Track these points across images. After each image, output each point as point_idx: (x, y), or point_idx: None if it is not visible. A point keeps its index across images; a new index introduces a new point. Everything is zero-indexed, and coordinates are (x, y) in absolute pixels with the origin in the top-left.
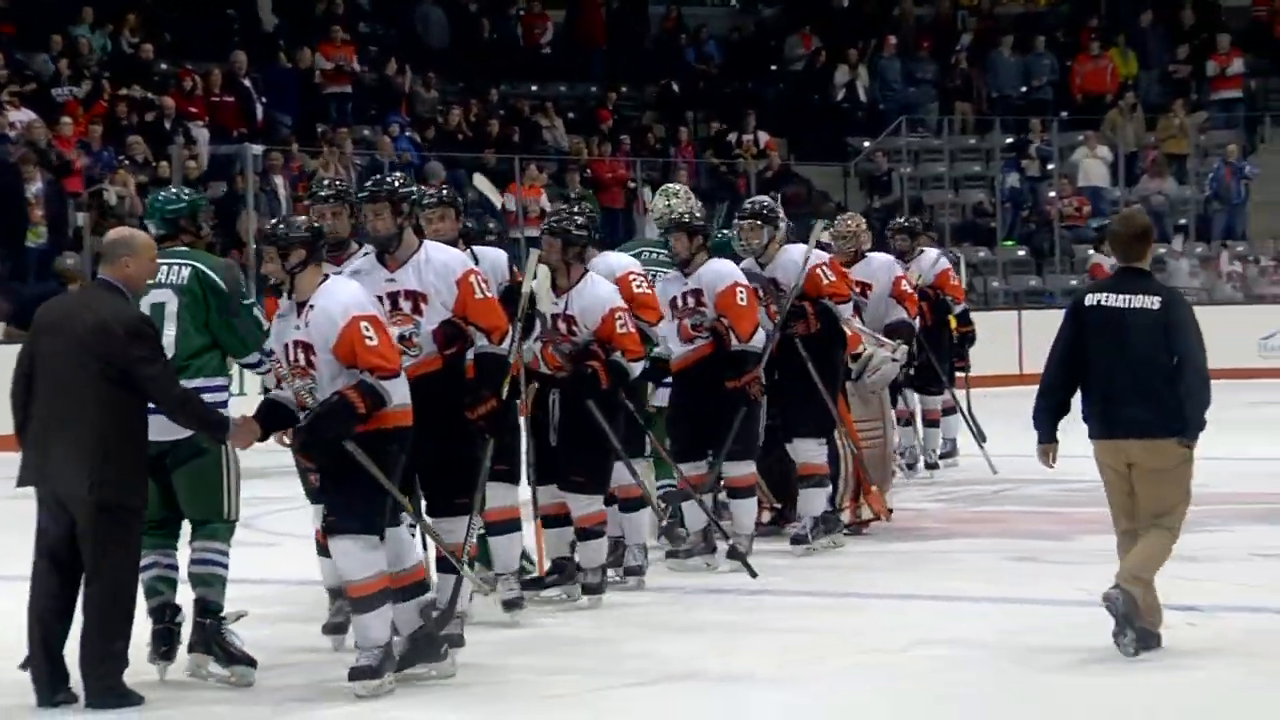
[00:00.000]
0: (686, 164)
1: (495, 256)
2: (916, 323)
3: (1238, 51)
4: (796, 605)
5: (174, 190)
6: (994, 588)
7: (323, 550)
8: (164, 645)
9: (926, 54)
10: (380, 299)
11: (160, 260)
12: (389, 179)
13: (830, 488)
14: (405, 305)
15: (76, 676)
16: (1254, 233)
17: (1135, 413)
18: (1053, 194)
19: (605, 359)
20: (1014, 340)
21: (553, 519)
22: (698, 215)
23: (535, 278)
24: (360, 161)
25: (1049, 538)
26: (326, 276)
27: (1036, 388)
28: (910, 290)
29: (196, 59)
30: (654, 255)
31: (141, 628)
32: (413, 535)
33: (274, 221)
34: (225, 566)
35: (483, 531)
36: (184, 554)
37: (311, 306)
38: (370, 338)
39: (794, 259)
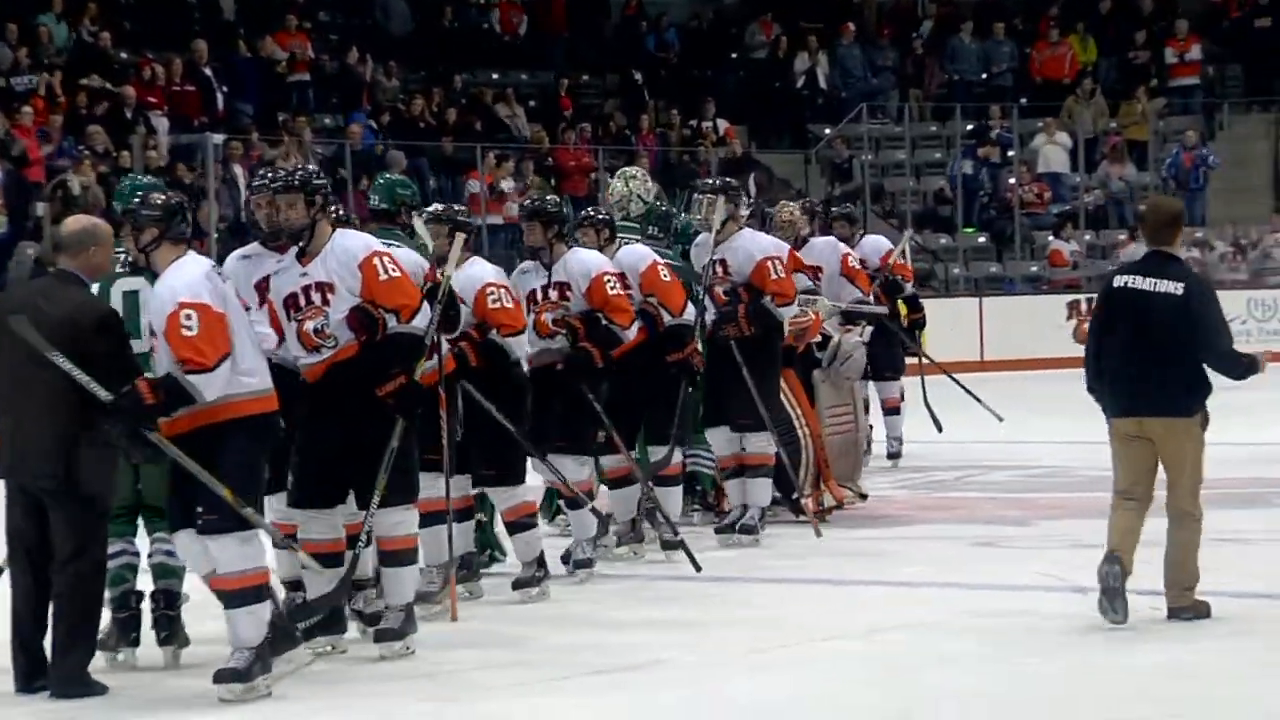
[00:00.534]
0: (648, 152)
1: (405, 255)
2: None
3: (1196, 38)
4: (762, 593)
5: (151, 179)
6: (957, 573)
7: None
8: (132, 632)
9: (887, 41)
10: (296, 294)
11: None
12: (301, 169)
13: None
14: (315, 298)
15: None
16: (1212, 219)
17: (1157, 391)
18: (1013, 180)
19: (597, 337)
20: (975, 327)
21: (461, 513)
22: (655, 198)
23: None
24: (321, 150)
25: (1011, 523)
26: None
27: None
28: (859, 267)
29: (156, 48)
30: (625, 241)
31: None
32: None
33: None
34: None
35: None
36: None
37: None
38: (187, 328)
39: (748, 249)
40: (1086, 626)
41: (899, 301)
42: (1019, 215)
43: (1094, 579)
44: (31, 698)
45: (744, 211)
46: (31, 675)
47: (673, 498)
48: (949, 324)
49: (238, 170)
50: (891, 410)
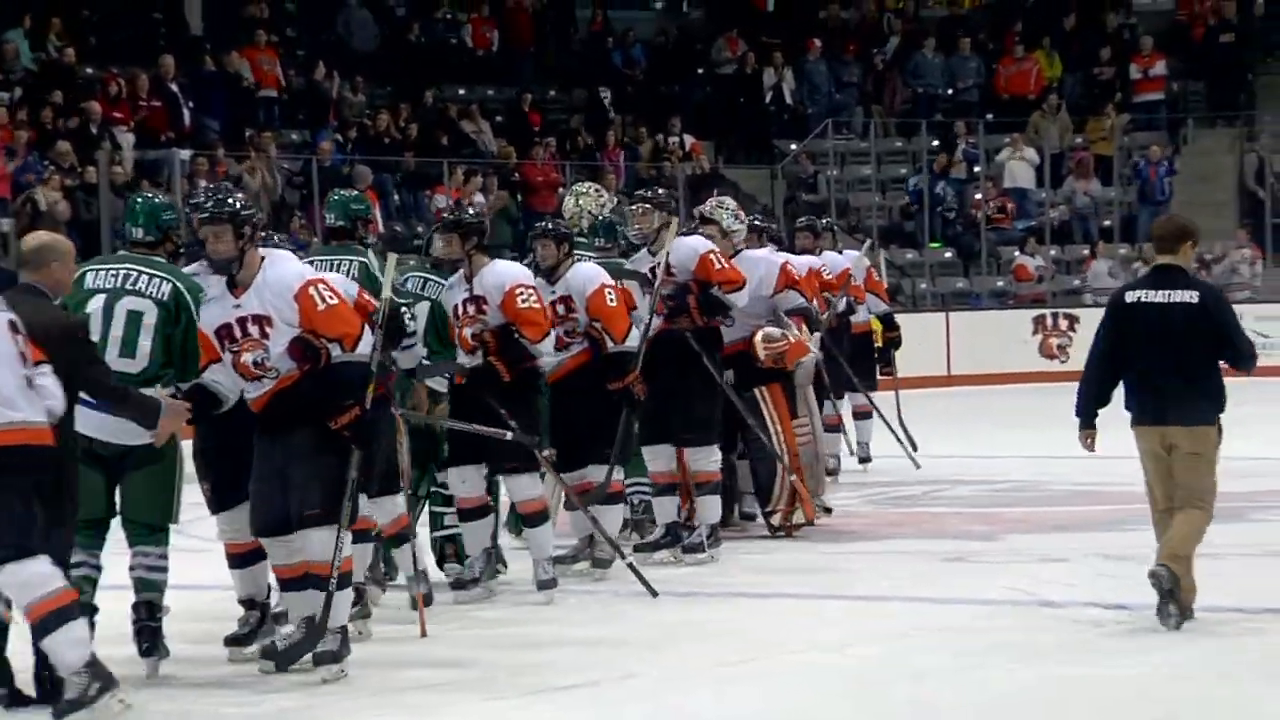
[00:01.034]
0: (614, 167)
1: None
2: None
3: (1160, 54)
4: (730, 607)
5: (167, 199)
6: (927, 588)
7: (235, 562)
8: None
9: (852, 57)
10: (230, 325)
11: (139, 268)
12: (230, 199)
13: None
14: (253, 330)
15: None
16: None
17: (1179, 401)
18: (979, 196)
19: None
20: (941, 342)
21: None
22: (608, 215)
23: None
24: (288, 166)
25: (978, 538)
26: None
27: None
28: (800, 275)
29: (122, 64)
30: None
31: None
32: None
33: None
34: (167, 570)
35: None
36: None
37: None
38: None
39: (690, 245)
40: (1054, 640)
41: (874, 319)
42: (985, 231)
43: (1063, 593)
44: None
45: (673, 219)
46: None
47: (612, 516)
48: (916, 339)
49: (202, 186)
50: (862, 415)
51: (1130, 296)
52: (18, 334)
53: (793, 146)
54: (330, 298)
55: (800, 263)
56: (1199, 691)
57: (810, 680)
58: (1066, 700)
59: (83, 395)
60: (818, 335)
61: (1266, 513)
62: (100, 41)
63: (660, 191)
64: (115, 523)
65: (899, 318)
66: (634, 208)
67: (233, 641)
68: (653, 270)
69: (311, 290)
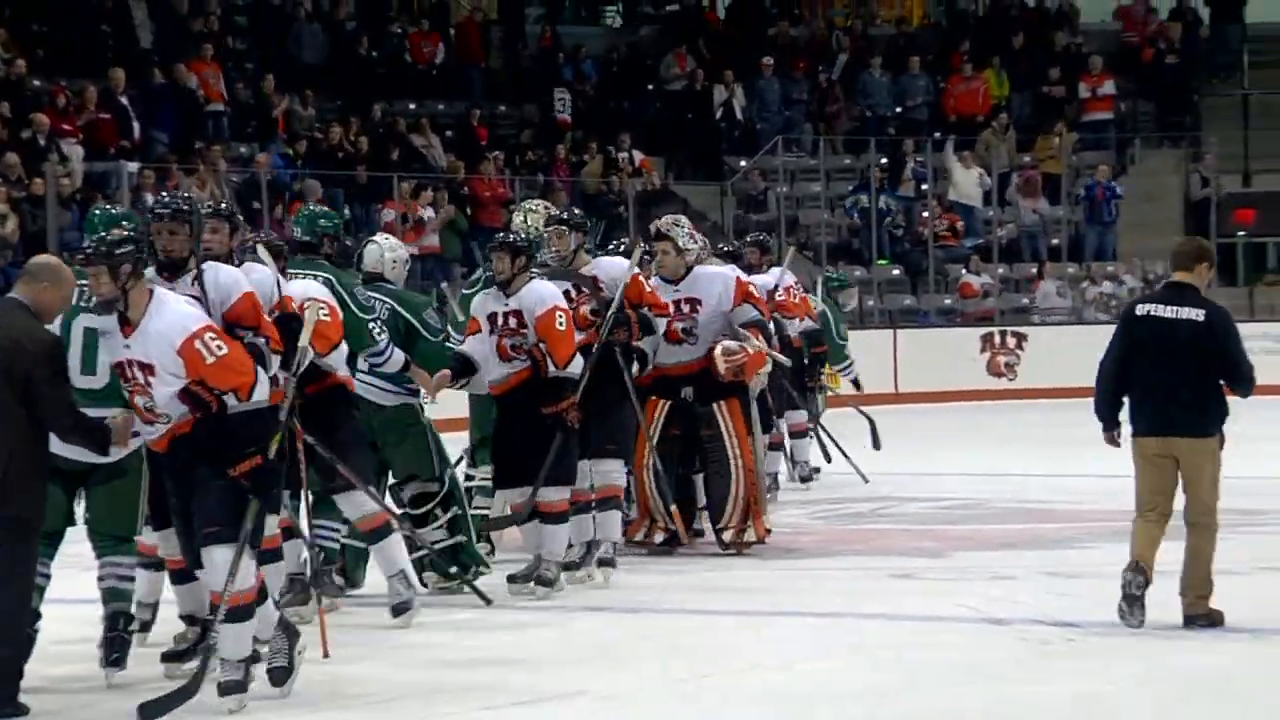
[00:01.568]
0: (563, 183)
1: (260, 277)
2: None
3: (1109, 74)
4: (679, 625)
5: (128, 210)
6: (873, 604)
7: (176, 578)
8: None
9: (802, 74)
10: (122, 364)
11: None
12: (111, 238)
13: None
14: (139, 375)
15: None
16: (1123, 253)
17: (1183, 413)
18: (926, 214)
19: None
20: (889, 359)
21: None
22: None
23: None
24: (236, 179)
25: (927, 555)
26: None
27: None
28: (755, 291)
29: (70, 76)
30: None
31: None
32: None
33: None
34: (134, 580)
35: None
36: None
37: None
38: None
39: (621, 264)
40: (1002, 658)
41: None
42: (933, 248)
43: (1011, 610)
44: None
45: (587, 238)
46: None
47: (556, 536)
48: (863, 356)
49: (149, 199)
50: (798, 434)
51: (1141, 309)
52: None
53: (742, 163)
54: (219, 348)
55: (758, 281)
56: (1148, 711)
57: (759, 697)
58: (1015, 718)
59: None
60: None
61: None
62: (48, 53)
63: (576, 212)
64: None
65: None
66: (550, 229)
67: (171, 657)
68: (566, 294)
69: (197, 344)
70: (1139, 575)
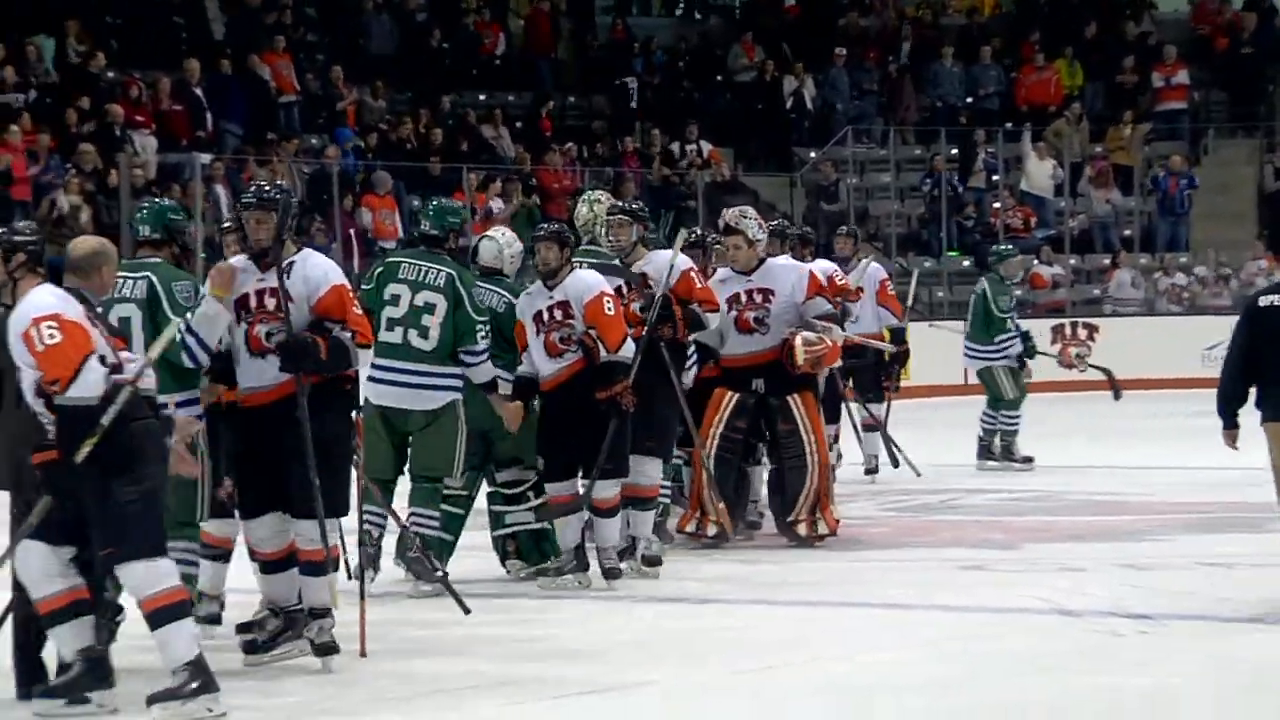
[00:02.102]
0: (633, 174)
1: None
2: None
3: (1182, 63)
4: (748, 616)
5: (172, 203)
6: (942, 596)
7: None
8: None
9: (873, 65)
10: None
11: (122, 273)
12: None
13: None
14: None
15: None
16: (1196, 244)
17: None
18: (997, 205)
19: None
20: (958, 351)
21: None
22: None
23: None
24: (308, 170)
25: (996, 547)
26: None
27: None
28: (825, 283)
29: (143, 68)
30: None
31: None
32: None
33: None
34: (197, 565)
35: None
36: None
37: None
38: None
39: (665, 258)
40: (1071, 649)
41: (885, 331)
42: (1003, 239)
43: (1081, 602)
44: (29, 703)
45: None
46: (34, 680)
47: (609, 529)
48: (933, 348)
49: (220, 191)
50: (870, 428)
51: (1264, 301)
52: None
53: (812, 154)
54: (50, 337)
55: (818, 268)
56: (1215, 703)
57: (822, 689)
58: (1082, 710)
59: None
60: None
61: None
62: (122, 45)
63: (638, 203)
64: None
65: (915, 326)
66: (611, 219)
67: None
68: (617, 289)
69: (33, 330)
70: None
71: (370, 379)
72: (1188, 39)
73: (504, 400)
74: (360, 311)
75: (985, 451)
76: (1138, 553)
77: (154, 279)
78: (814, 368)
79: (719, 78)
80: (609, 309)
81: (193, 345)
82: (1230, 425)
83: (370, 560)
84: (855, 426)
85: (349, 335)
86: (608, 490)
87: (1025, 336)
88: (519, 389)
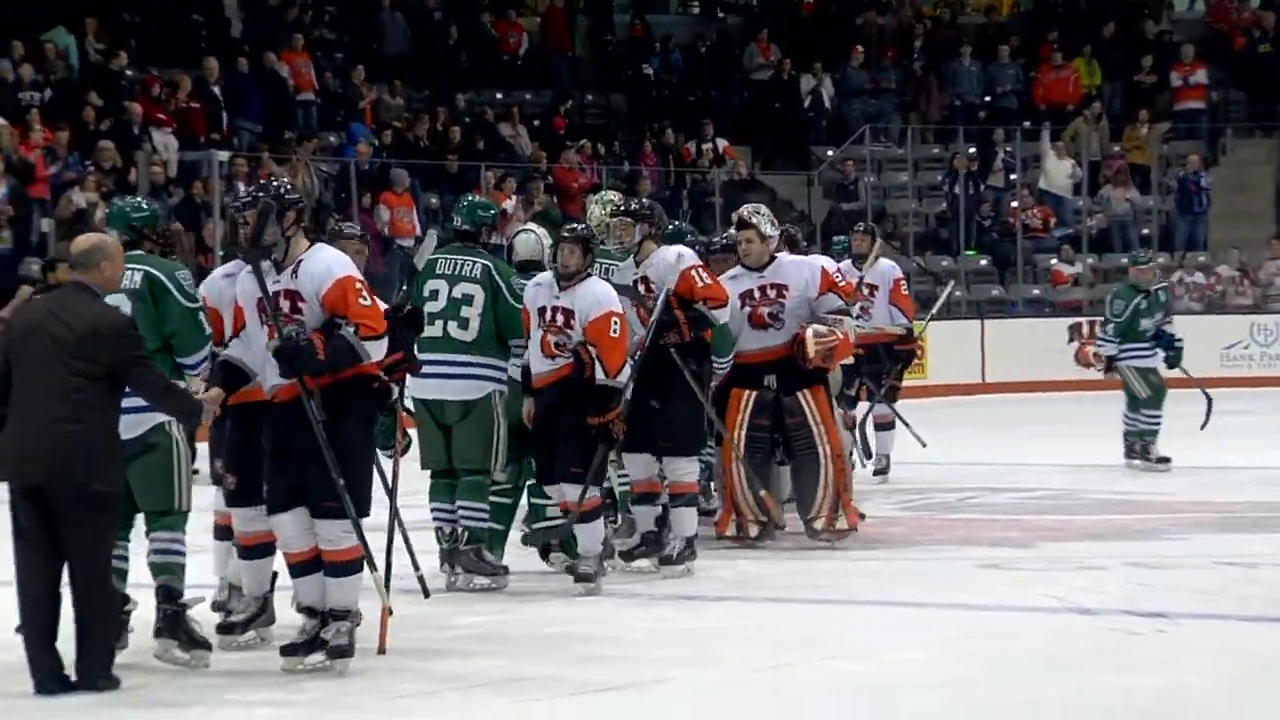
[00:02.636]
0: (650, 172)
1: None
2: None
3: (1201, 63)
4: (766, 613)
5: (138, 199)
6: (959, 594)
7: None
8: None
9: (890, 63)
10: None
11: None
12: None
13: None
14: None
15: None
16: (1214, 243)
17: None
18: (1015, 204)
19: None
20: (977, 349)
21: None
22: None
23: None
24: (326, 168)
25: (1014, 545)
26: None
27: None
28: (842, 280)
29: (162, 65)
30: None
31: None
32: None
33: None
34: (183, 554)
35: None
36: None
37: None
38: (364, 298)
39: (667, 259)
40: (1089, 648)
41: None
42: (1021, 238)
43: (1098, 600)
44: (51, 697)
45: (656, 229)
46: (54, 674)
47: (585, 534)
48: (951, 346)
49: (240, 188)
50: (883, 426)
51: None
52: None
53: (830, 152)
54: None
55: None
56: (1230, 701)
57: (840, 687)
58: (1098, 708)
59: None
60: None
61: None
62: (140, 43)
63: (644, 203)
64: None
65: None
66: (613, 220)
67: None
68: (635, 284)
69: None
70: None
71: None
72: (1206, 38)
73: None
74: (368, 303)
75: (1129, 451)
76: (1155, 552)
77: (151, 270)
78: (825, 361)
79: (736, 76)
80: (614, 332)
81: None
82: None
83: (445, 556)
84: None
85: (353, 330)
86: (589, 493)
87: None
88: (525, 377)
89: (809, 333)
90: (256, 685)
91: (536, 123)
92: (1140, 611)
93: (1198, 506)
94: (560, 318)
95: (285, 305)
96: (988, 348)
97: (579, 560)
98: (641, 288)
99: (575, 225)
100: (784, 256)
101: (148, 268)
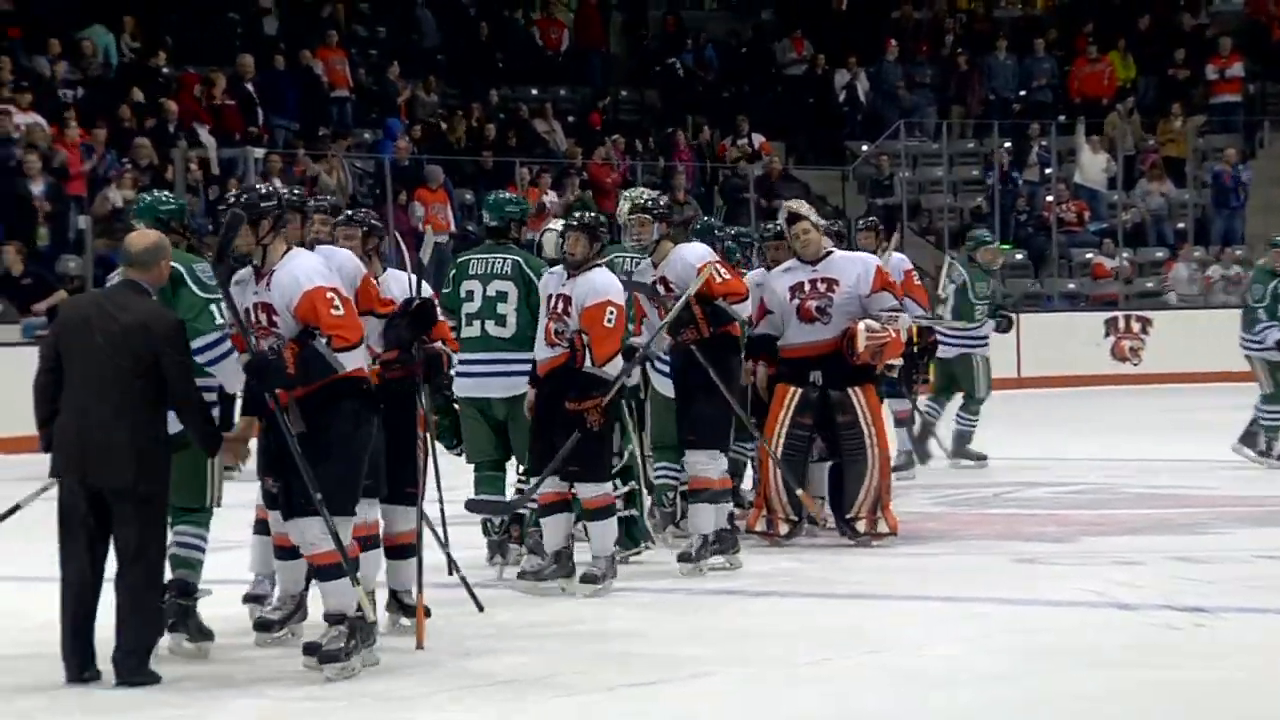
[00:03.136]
0: (684, 167)
1: (342, 260)
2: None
3: (1238, 55)
4: (805, 609)
5: (165, 193)
6: (998, 589)
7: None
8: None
9: (925, 57)
10: None
11: None
12: None
13: (728, 502)
14: None
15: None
16: (1251, 236)
17: None
18: (1050, 198)
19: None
20: (1012, 344)
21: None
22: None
23: None
24: (360, 165)
25: (1052, 540)
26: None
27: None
28: (893, 279)
29: (198, 63)
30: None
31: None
32: None
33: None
34: (204, 551)
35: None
36: None
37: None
38: (336, 308)
39: (686, 259)
40: (1127, 643)
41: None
42: (1057, 233)
43: (1136, 595)
44: (83, 687)
45: (671, 226)
46: (85, 666)
47: (595, 532)
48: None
49: (277, 184)
50: (902, 422)
51: None
52: None
53: (864, 147)
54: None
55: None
56: (1270, 697)
57: (883, 681)
58: (1136, 703)
59: None
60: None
61: None
62: (176, 41)
63: (662, 201)
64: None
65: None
66: (631, 217)
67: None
68: (654, 283)
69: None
70: None
71: (456, 374)
72: (1243, 30)
73: None
74: (340, 313)
75: (1251, 440)
76: (1195, 546)
77: (172, 263)
78: (874, 358)
79: (770, 71)
80: (609, 320)
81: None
82: None
83: (494, 548)
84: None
85: (324, 342)
86: (590, 491)
87: None
88: (532, 370)
89: (861, 327)
90: (294, 681)
91: (571, 119)
92: (1179, 606)
93: (1238, 501)
94: (561, 305)
95: (262, 318)
96: (1023, 342)
97: (595, 561)
98: (661, 288)
99: (581, 214)
100: (839, 252)
101: (173, 263)
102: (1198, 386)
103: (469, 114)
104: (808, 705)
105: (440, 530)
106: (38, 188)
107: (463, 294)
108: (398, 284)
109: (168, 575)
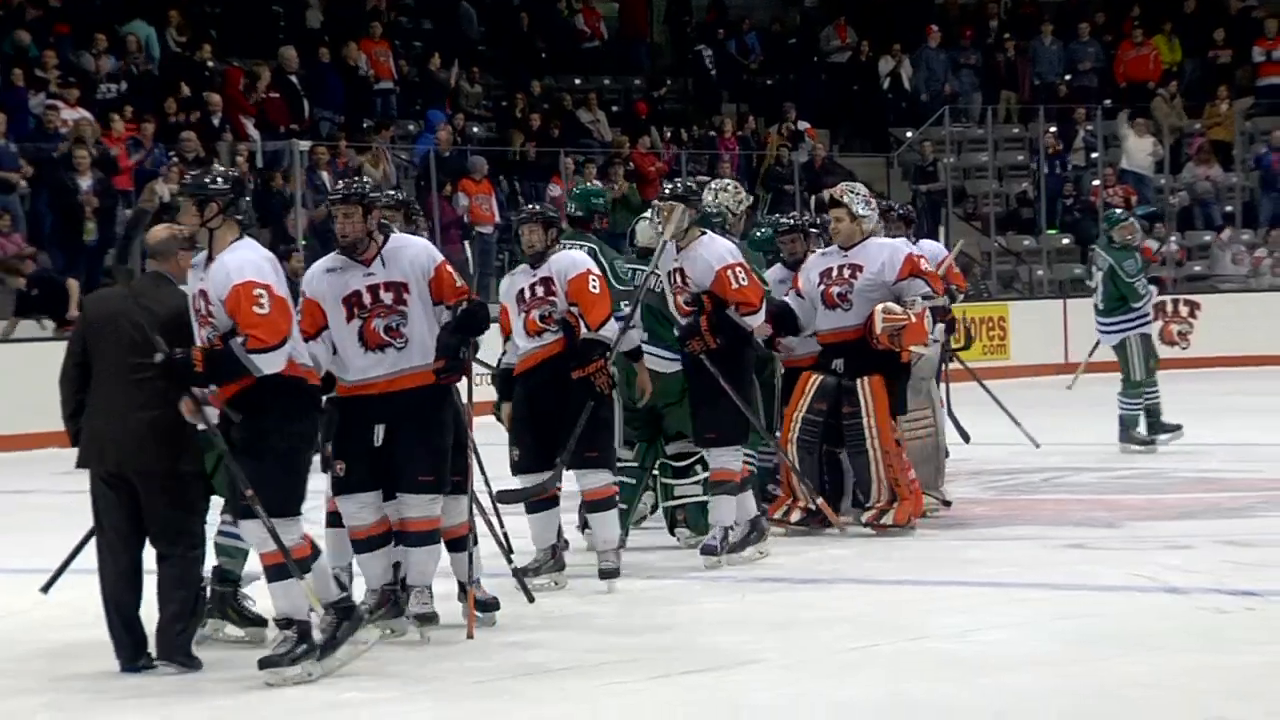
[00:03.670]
0: (729, 155)
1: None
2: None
3: None
4: (850, 594)
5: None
6: (1046, 574)
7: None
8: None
9: (969, 43)
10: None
11: None
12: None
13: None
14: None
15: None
16: None
17: None
18: (1096, 183)
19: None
20: (1059, 329)
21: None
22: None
23: None
24: (404, 156)
25: (1101, 525)
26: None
27: None
28: (928, 266)
29: (242, 56)
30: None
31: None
32: None
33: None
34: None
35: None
36: None
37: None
38: (260, 306)
39: (707, 260)
40: (1177, 627)
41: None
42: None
43: (1187, 579)
44: (136, 675)
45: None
46: (136, 653)
47: (602, 523)
48: (1034, 326)
49: (324, 176)
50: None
51: None
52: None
53: (909, 134)
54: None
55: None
56: None
57: (932, 667)
58: (1189, 688)
59: None
60: (940, 327)
61: None
62: (221, 35)
63: (689, 184)
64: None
65: (1016, 304)
66: (659, 203)
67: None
68: (670, 274)
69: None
70: None
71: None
72: None
73: (645, 369)
74: (263, 311)
75: None
76: (1246, 529)
77: (594, 249)
78: (892, 341)
79: (815, 58)
80: (593, 287)
81: None
82: None
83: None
84: None
85: (240, 341)
86: (594, 480)
87: None
88: (502, 380)
89: (879, 309)
90: (345, 671)
91: (615, 108)
92: (1230, 590)
93: None
94: (540, 289)
95: (201, 305)
96: (1070, 327)
97: (602, 555)
98: (678, 278)
99: (532, 206)
100: (874, 240)
101: None
102: (1247, 370)
103: (513, 104)
104: (856, 691)
105: (495, 519)
106: (86, 182)
107: None
108: None
109: (211, 562)
